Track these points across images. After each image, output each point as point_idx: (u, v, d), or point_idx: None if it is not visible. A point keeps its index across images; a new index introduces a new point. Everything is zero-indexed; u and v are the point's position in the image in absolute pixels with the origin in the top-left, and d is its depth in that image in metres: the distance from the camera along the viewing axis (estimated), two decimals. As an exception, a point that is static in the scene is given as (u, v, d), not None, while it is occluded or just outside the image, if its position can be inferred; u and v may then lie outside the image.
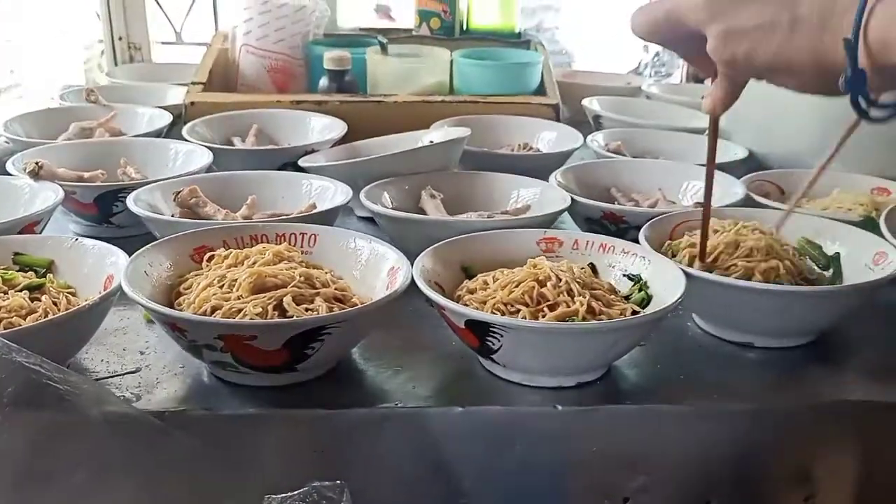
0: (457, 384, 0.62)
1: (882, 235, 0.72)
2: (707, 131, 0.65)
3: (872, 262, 0.70)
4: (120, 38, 1.55)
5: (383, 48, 1.20)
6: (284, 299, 0.57)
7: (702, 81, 1.63)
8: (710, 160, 0.66)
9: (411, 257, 0.68)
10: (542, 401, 0.60)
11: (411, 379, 0.62)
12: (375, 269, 0.66)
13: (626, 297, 0.66)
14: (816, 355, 0.68)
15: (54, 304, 0.59)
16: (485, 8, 1.42)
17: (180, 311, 0.59)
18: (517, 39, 1.42)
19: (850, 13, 0.42)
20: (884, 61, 0.41)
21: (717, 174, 0.94)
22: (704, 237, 0.68)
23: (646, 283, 0.66)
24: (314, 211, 0.78)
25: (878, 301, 0.71)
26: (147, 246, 0.63)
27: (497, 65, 1.23)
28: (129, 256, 0.62)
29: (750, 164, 1.05)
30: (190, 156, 0.93)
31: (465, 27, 1.43)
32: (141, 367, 0.61)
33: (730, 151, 1.07)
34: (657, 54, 2.44)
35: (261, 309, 0.56)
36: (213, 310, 0.57)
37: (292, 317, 0.57)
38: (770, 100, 1.05)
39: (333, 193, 0.83)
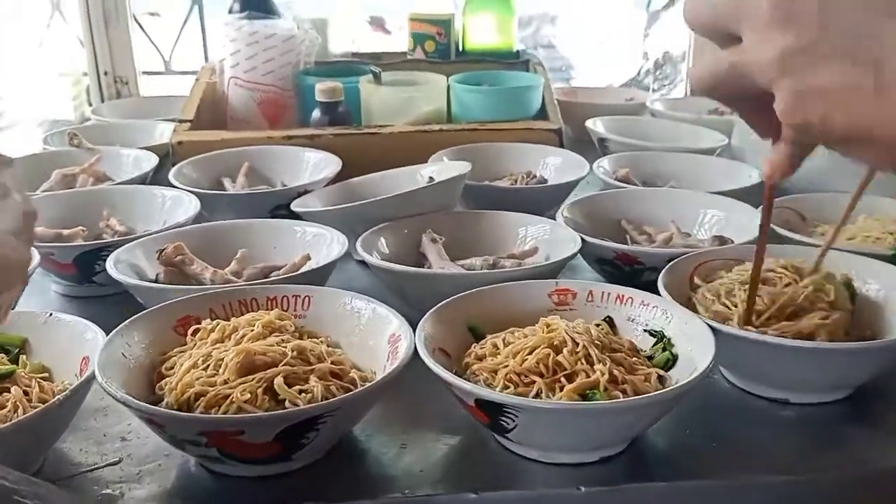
0: (468, 463, 0.57)
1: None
2: (762, 197, 0.58)
3: (912, 306, 0.65)
4: (105, 73, 1.50)
5: (376, 77, 1.15)
6: (276, 381, 0.52)
7: (707, 94, 1.58)
8: (764, 231, 0.60)
9: (412, 307, 0.63)
10: (563, 480, 0.55)
11: (418, 460, 0.56)
12: (376, 335, 0.61)
13: (650, 357, 0.61)
14: (855, 411, 0.62)
15: (25, 393, 0.54)
16: (481, 28, 1.37)
17: (161, 394, 0.54)
18: (515, 59, 1.38)
19: None
20: None
21: (732, 203, 0.89)
22: (752, 301, 0.62)
23: (669, 340, 0.61)
24: (308, 268, 0.73)
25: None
26: (125, 323, 0.58)
27: (496, 90, 1.18)
28: (109, 330, 0.57)
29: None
30: (176, 203, 0.88)
31: (461, 48, 1.39)
32: (122, 456, 0.56)
33: (743, 174, 1.02)
34: (658, 63, 2.39)
35: (249, 394, 0.51)
36: (198, 396, 0.52)
37: (284, 401, 0.52)
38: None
39: (329, 242, 0.78)
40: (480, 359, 0.59)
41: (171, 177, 0.94)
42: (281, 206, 0.91)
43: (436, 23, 1.34)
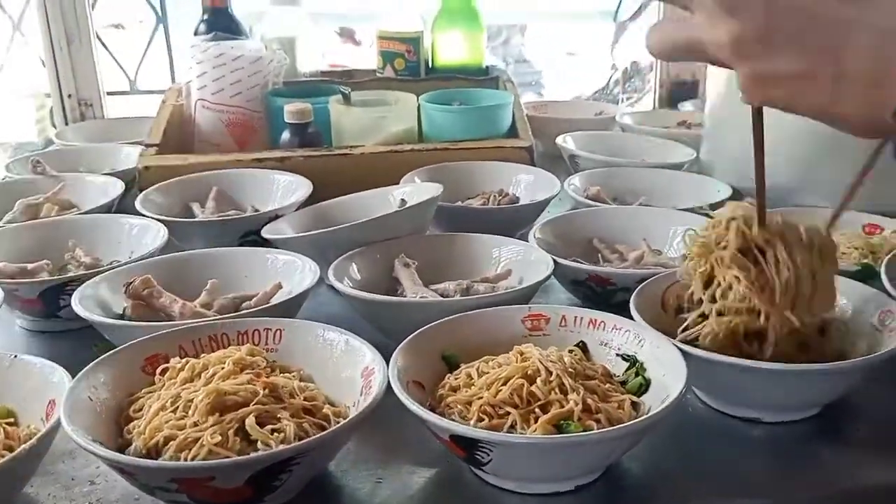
0: (445, 496, 0.56)
1: (884, 289, 0.68)
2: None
3: (879, 322, 0.66)
4: (69, 96, 1.47)
5: (346, 98, 1.14)
6: (247, 422, 0.51)
7: (675, 106, 1.59)
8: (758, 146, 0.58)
9: (385, 335, 0.62)
10: (539, 510, 0.55)
11: (395, 494, 0.56)
12: (349, 367, 0.60)
13: (623, 382, 0.61)
14: (826, 428, 0.63)
15: (-11, 440, 0.53)
16: (450, 45, 1.37)
17: (130, 437, 0.53)
18: (485, 76, 1.38)
19: None
20: None
21: (701, 220, 0.89)
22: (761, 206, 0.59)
23: (642, 364, 0.61)
24: (280, 299, 0.72)
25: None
26: (90, 366, 0.57)
27: (467, 109, 1.18)
28: (76, 366, 0.56)
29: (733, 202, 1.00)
30: (144, 232, 0.87)
31: (430, 65, 1.38)
32: (91, 501, 0.55)
33: (712, 189, 1.03)
34: (627, 73, 2.41)
35: (220, 436, 0.50)
36: (167, 440, 0.51)
37: (256, 441, 0.51)
38: (749, 133, 1.03)
39: (301, 269, 0.78)
40: (455, 390, 0.59)
41: (137, 204, 0.93)
42: (251, 232, 0.90)
43: (405, 41, 1.34)
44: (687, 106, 1.53)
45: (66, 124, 1.45)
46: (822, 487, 0.57)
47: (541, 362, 0.57)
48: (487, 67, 1.41)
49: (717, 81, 1.11)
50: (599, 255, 0.88)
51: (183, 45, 1.30)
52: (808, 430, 0.63)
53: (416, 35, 1.34)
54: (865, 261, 0.79)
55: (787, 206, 0.93)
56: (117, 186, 1.02)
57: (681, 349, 0.59)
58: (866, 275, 0.74)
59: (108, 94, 1.56)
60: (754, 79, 0.39)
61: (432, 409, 0.56)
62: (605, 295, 0.78)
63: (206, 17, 1.22)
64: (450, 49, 1.38)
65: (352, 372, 0.59)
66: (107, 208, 0.98)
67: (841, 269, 0.74)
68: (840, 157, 0.90)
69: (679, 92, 1.64)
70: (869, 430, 0.65)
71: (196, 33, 1.22)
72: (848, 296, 0.69)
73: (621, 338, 0.64)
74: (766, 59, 0.38)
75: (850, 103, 0.37)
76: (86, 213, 0.96)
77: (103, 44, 1.59)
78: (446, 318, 0.65)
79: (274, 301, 0.72)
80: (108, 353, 0.59)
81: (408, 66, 1.34)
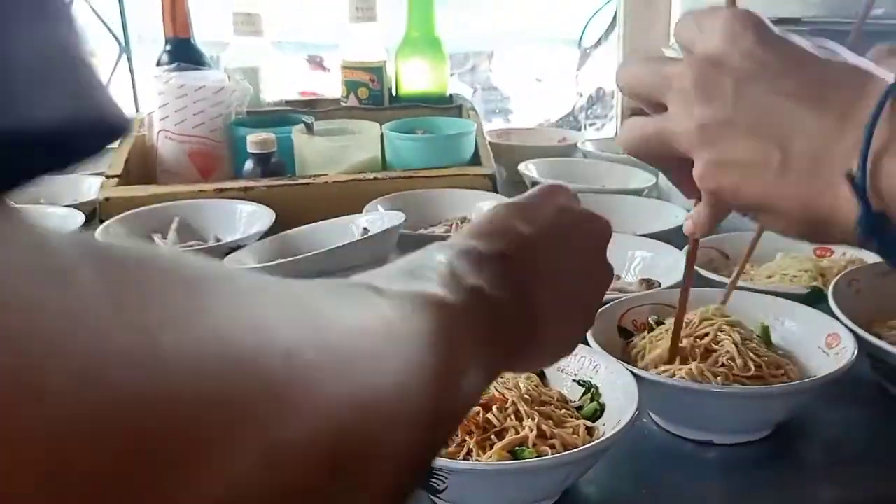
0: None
1: (831, 312, 0.70)
2: (686, 250, 0.64)
3: (826, 345, 0.68)
4: (31, 126, 1.46)
5: (308, 128, 1.15)
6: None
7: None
8: (687, 278, 0.64)
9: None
10: (496, 536, 0.55)
11: (351, 524, 0.56)
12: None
13: (579, 408, 0.62)
14: (777, 449, 0.65)
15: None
16: (413, 74, 1.39)
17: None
18: (449, 104, 1.40)
19: (850, 159, 0.39)
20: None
21: (658, 245, 0.92)
22: (675, 345, 0.65)
23: (597, 389, 0.63)
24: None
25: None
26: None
27: (430, 138, 1.20)
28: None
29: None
30: (103, 264, 0.86)
31: (394, 94, 1.40)
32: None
33: (670, 214, 1.05)
34: (591, 100, 2.46)
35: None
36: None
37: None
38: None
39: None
40: (412, 418, 0.59)
41: (97, 236, 0.93)
42: (213, 263, 0.90)
43: (368, 70, 1.35)
44: (647, 132, 1.56)
45: (28, 155, 1.44)
46: (775, 506, 0.59)
47: (496, 389, 0.58)
48: (451, 96, 1.43)
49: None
50: (559, 281, 0.90)
51: (146, 75, 1.30)
52: (760, 452, 0.64)
53: (379, 64, 1.36)
54: (815, 283, 0.81)
55: (742, 231, 0.96)
56: (77, 218, 1.02)
57: (634, 373, 0.61)
58: (815, 298, 0.76)
59: (71, 124, 1.55)
60: (711, 164, 0.43)
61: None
62: (563, 320, 0.80)
63: (168, 47, 1.23)
64: (413, 78, 1.39)
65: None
66: (66, 240, 0.97)
67: (790, 293, 0.77)
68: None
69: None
70: (819, 450, 0.66)
71: (159, 63, 1.22)
72: (797, 319, 0.71)
73: (577, 363, 0.65)
74: (725, 145, 0.42)
75: (790, 194, 0.41)
76: (45, 245, 0.95)
77: (66, 73, 1.59)
78: (405, 347, 0.66)
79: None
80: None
81: (371, 94, 1.36)
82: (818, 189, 0.40)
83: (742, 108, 0.41)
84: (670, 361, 0.65)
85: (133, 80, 1.62)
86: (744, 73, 0.41)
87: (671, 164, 0.48)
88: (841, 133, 0.39)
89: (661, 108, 0.45)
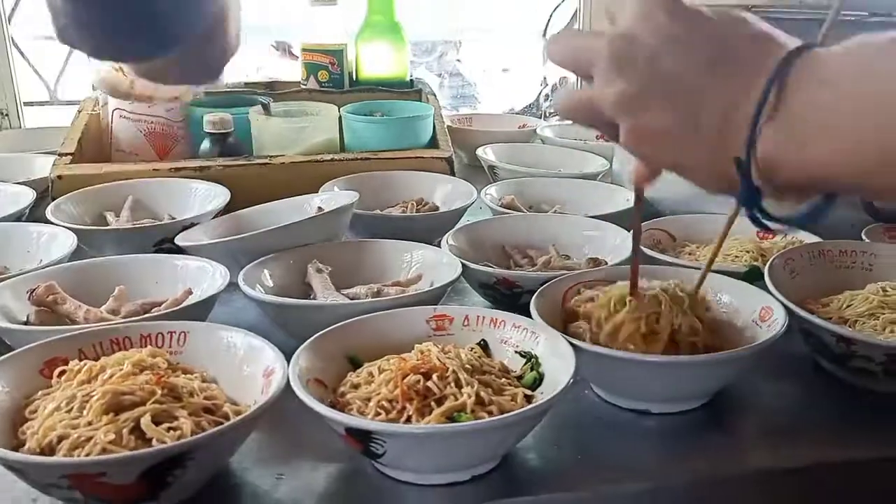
0: (346, 491, 0.58)
1: (766, 288, 0.73)
2: (632, 199, 0.67)
3: (759, 318, 0.70)
4: (-16, 105, 1.44)
5: (265, 108, 1.15)
6: (142, 420, 0.52)
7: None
8: (636, 237, 0.67)
9: (296, 339, 0.63)
10: (437, 500, 0.56)
11: (295, 490, 0.57)
12: (252, 368, 0.61)
13: (520, 377, 0.63)
14: (712, 417, 0.67)
15: None
16: (373, 58, 1.40)
17: (24, 440, 0.53)
18: (409, 88, 1.41)
19: (743, 131, 0.42)
20: (772, 178, 0.42)
21: (607, 226, 0.94)
22: (634, 286, 0.67)
23: (537, 359, 0.64)
24: (185, 304, 0.72)
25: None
26: (-16, 369, 0.57)
27: (387, 120, 1.20)
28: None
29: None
30: (53, 240, 0.86)
31: (355, 78, 1.40)
32: (-16, 505, 0.55)
33: (621, 198, 1.08)
34: (555, 88, 2.48)
35: (114, 435, 0.50)
36: (60, 439, 0.51)
37: (151, 439, 0.51)
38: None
39: (212, 275, 0.78)
40: (356, 387, 0.60)
41: (48, 213, 0.92)
42: (166, 241, 0.90)
43: (328, 52, 1.35)
44: (605, 119, 1.58)
45: (-19, 134, 1.42)
46: (706, 471, 0.61)
47: (438, 359, 0.59)
48: (412, 80, 1.43)
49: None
50: (511, 261, 0.91)
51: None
52: (694, 420, 0.66)
53: (339, 47, 1.36)
54: (754, 262, 0.84)
55: (687, 214, 0.99)
56: (28, 196, 1.01)
57: (573, 344, 0.62)
58: (753, 276, 0.79)
59: (26, 104, 1.53)
60: (631, 132, 0.46)
61: (333, 407, 0.58)
62: (512, 297, 0.81)
63: (125, 26, 1.21)
64: (373, 62, 1.40)
65: (254, 372, 0.60)
66: (16, 218, 0.96)
67: (730, 271, 0.79)
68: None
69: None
70: (753, 420, 0.69)
71: (115, 43, 1.21)
72: (734, 295, 0.74)
73: (519, 335, 0.67)
74: (641, 115, 0.45)
75: (701, 159, 0.45)
76: (-7, 221, 0.94)
77: (21, 53, 1.56)
78: (352, 320, 0.67)
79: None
80: (4, 356, 0.58)
81: (332, 77, 1.36)
82: (724, 156, 0.43)
83: (654, 80, 0.44)
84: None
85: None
86: (654, 48, 0.44)
87: (604, 126, 0.50)
88: (742, 104, 0.42)
89: (589, 77, 0.48)
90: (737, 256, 0.87)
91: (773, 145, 0.41)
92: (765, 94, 0.41)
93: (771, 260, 0.77)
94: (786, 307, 0.68)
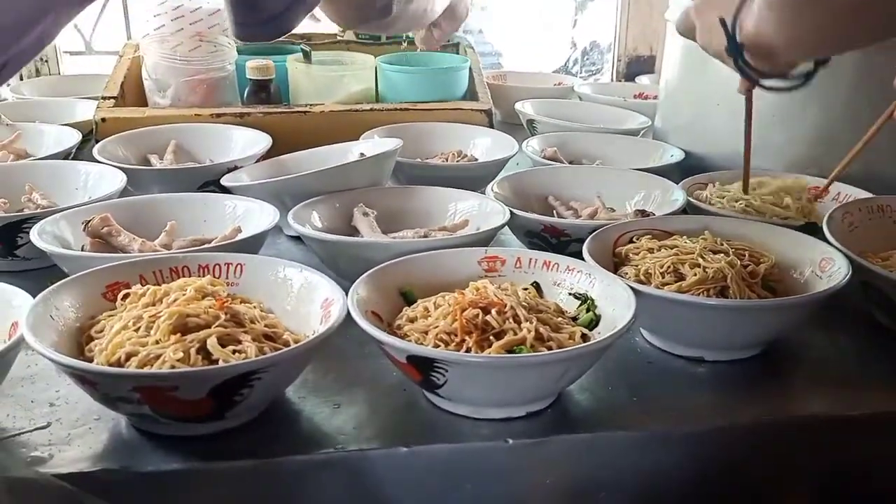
0: (400, 420, 0.58)
1: (826, 239, 0.72)
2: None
3: (819, 269, 0.70)
4: (23, 50, 1.44)
5: (306, 56, 1.15)
6: (208, 341, 0.52)
7: (633, 79, 1.63)
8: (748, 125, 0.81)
9: (345, 279, 0.64)
10: (491, 434, 0.57)
11: (352, 418, 0.57)
12: (308, 301, 0.61)
13: (574, 318, 0.63)
14: (766, 367, 0.67)
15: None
16: (412, 11, 1.38)
17: (91, 357, 0.53)
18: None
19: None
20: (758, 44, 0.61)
21: (654, 179, 0.93)
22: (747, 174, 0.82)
23: (593, 301, 0.64)
24: (239, 238, 0.72)
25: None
26: (52, 287, 0.57)
27: (423, 70, 1.19)
28: (35, 297, 0.56)
29: (685, 165, 1.04)
30: (101, 178, 0.87)
31: (392, 31, 1.39)
32: (51, 421, 0.55)
33: (666, 153, 1.07)
34: (585, 52, 2.45)
35: (182, 353, 0.51)
36: (129, 356, 0.52)
37: (217, 361, 0.52)
38: (699, 101, 1.06)
39: (259, 215, 0.78)
40: (412, 321, 0.60)
41: (95, 152, 0.92)
42: (210, 183, 0.91)
43: (367, 4, 1.34)
44: (643, 79, 1.56)
45: (21, 80, 1.42)
46: (758, 416, 0.61)
47: (496, 295, 0.59)
48: (449, 35, 1.42)
49: (672, 55, 1.14)
50: (554, 212, 0.91)
51: (139, 7, 1.28)
52: (748, 369, 0.66)
53: None
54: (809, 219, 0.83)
55: (737, 169, 0.97)
56: (74, 137, 1.01)
57: (630, 286, 0.62)
58: (810, 232, 0.78)
59: (65, 52, 1.53)
60: (699, 28, 0.68)
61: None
62: (559, 246, 0.81)
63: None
64: (412, 15, 1.38)
65: (311, 305, 0.61)
66: (63, 157, 0.97)
67: (789, 224, 0.78)
68: (784, 128, 0.95)
69: (636, 66, 1.68)
70: (806, 370, 0.68)
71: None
72: (793, 245, 0.73)
73: (573, 278, 0.66)
74: (698, 17, 0.69)
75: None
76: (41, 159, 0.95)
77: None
78: (405, 257, 0.67)
79: (233, 242, 0.73)
80: (70, 277, 0.59)
81: (369, 30, 1.34)
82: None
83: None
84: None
85: (126, 11, 1.59)
86: None
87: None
88: None
89: None
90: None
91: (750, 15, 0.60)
92: None
93: (830, 212, 0.76)
94: (848, 257, 0.67)
